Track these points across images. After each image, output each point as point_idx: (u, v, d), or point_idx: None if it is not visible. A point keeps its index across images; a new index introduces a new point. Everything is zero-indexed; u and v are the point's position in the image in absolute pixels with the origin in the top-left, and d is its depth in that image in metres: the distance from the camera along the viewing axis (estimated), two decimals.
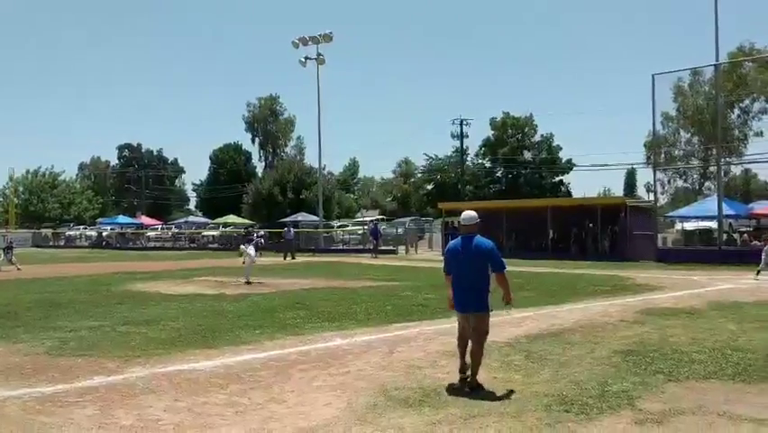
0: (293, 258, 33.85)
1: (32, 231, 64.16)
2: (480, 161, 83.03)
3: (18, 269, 26.02)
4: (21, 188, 77.72)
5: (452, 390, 6.83)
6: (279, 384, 7.24)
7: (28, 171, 79.47)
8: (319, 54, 46.25)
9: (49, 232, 64.01)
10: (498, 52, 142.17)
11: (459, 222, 7.58)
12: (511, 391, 6.75)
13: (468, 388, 6.91)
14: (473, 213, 7.41)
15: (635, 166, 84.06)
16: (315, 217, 49.59)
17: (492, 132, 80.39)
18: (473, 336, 7.20)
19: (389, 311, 13.01)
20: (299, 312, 12.83)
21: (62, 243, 59.09)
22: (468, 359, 7.19)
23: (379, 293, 16.24)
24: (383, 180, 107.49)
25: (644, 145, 56.86)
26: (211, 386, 7.17)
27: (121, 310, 13.39)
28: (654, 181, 37.00)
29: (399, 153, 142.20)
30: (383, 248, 37.42)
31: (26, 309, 13.61)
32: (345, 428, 5.66)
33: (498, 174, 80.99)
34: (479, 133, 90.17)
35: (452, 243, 7.56)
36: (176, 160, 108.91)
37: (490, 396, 6.59)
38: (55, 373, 7.85)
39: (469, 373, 7.10)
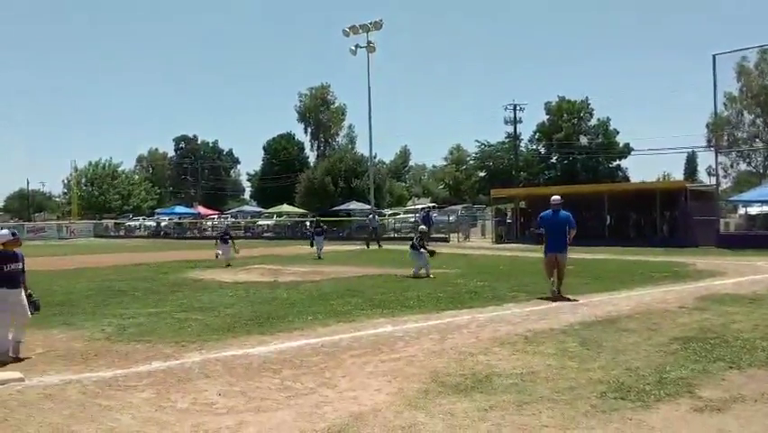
0: (379, 246, 33.49)
1: (94, 222, 66.21)
2: (534, 146, 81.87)
3: (228, 264, 21.72)
4: (83, 180, 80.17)
5: (505, 376, 6.77)
6: (331, 370, 7.28)
7: (90, 163, 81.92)
8: (369, 42, 46.15)
9: (110, 222, 65.96)
10: (553, 36, 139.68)
11: (551, 201, 12.92)
12: (565, 378, 6.64)
13: (554, 296, 12.40)
14: (559, 196, 12.95)
15: (695, 149, 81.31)
16: (366, 206, 49.74)
17: (547, 116, 79.13)
18: (560, 266, 12.69)
19: (441, 298, 12.95)
20: (351, 299, 12.89)
21: (122, 233, 60.83)
22: (555, 280, 12.64)
23: (430, 280, 16.18)
24: (435, 168, 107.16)
25: (707, 126, 55.00)
26: (264, 371, 7.27)
27: (178, 298, 13.69)
28: (716, 164, 35.80)
29: (451, 140, 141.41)
30: (435, 236, 37.29)
31: (86, 297, 14.03)
32: (396, 413, 5.65)
33: (553, 160, 79.70)
34: (533, 119, 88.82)
35: (545, 213, 13.06)
36: (231, 150, 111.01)
37: (545, 381, 6.50)
38: (114, 358, 8.07)
39: (556, 287, 12.56)
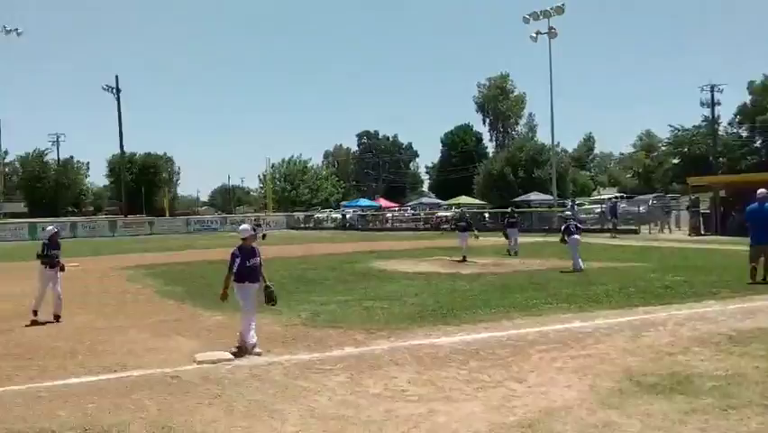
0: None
1: (286, 214, 70.61)
2: (735, 130, 75.11)
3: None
4: (277, 176, 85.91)
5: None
6: (518, 363, 7.21)
7: (283, 160, 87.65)
8: (551, 28, 44.88)
9: (300, 215, 69.94)
10: (756, 8, 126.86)
11: (757, 194, 13.43)
12: None
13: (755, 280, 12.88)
14: (765, 189, 13.41)
15: None
16: (548, 197, 48.49)
17: (750, 97, 72.25)
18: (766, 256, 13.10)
19: (632, 293, 12.30)
20: (535, 292, 12.65)
21: (311, 225, 64.15)
22: (759, 271, 13.07)
23: (619, 274, 15.43)
24: (622, 156, 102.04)
25: None
26: (451, 361, 7.37)
27: (365, 287, 14.26)
28: None
29: (639, 126, 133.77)
30: (623, 228, 35.43)
31: (281, 285, 14.92)
32: (589, 410, 5.47)
33: (757, 144, 72.62)
34: (732, 101, 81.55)
35: (751, 206, 13.62)
36: (410, 144, 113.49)
37: (753, 385, 5.96)
38: (310, 343, 8.60)
39: (759, 276, 13.00)
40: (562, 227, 17.58)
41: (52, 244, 11.48)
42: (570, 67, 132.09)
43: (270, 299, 8.60)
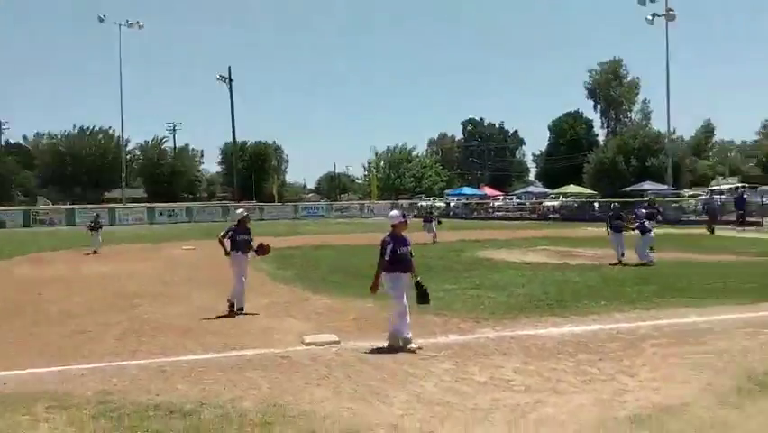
0: (711, 231, 28.54)
1: (391, 202, 71.18)
2: None
3: None
4: (381, 163, 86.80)
5: None
6: (630, 357, 7.01)
7: (388, 148, 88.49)
8: (669, 9, 42.85)
9: (404, 203, 70.32)
10: None
11: None
12: None
13: None
14: None
15: None
16: (662, 186, 46.44)
17: None
18: None
19: (755, 289, 11.60)
20: (648, 286, 12.17)
21: (415, 213, 64.38)
22: None
23: (743, 269, 14.62)
24: (744, 144, 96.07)
25: None
26: (559, 353, 7.26)
27: (470, 276, 14.17)
28: None
29: (764, 112, 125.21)
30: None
31: None
32: (706, 409, 5.27)
33: None
34: None
35: None
36: (516, 132, 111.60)
37: None
38: (415, 329, 8.64)
39: None
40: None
41: (240, 228, 10.65)
42: (687, 50, 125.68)
43: (424, 298, 7.94)
